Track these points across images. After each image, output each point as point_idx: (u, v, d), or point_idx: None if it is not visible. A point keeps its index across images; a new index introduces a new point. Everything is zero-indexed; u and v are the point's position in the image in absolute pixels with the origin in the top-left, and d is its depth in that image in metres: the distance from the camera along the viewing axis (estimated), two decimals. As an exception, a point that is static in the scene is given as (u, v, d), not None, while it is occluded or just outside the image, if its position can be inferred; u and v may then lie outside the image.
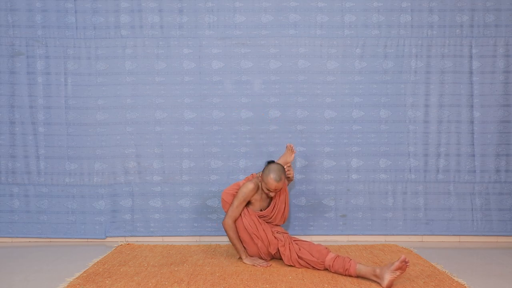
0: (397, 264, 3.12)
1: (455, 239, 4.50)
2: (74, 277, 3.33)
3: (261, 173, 3.67)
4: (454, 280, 3.29)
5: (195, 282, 3.20)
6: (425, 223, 4.49)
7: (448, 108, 4.48)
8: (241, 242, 3.72)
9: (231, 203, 3.66)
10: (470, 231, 4.48)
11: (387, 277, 3.12)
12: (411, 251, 4.07)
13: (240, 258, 3.76)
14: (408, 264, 3.14)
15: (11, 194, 4.47)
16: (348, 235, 4.50)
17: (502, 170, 4.49)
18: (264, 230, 3.64)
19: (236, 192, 3.67)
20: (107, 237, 4.46)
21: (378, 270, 3.20)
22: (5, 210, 4.46)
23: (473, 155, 4.49)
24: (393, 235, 4.50)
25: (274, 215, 3.72)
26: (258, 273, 3.40)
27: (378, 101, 4.48)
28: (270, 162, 3.66)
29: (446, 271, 3.50)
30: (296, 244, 3.60)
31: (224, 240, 4.43)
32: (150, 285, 3.16)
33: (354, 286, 3.15)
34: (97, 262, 3.70)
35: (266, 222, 3.73)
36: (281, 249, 3.61)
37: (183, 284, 3.16)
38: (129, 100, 4.47)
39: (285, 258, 3.59)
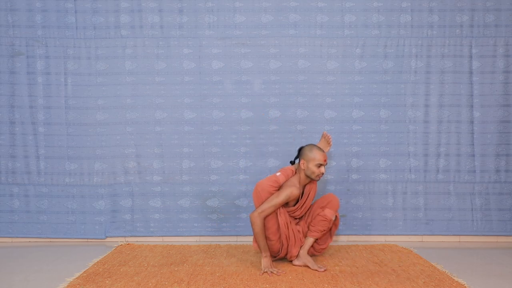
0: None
1: (455, 239, 4.48)
2: (74, 277, 3.31)
3: (296, 165, 3.66)
4: (454, 280, 3.26)
5: (195, 282, 3.18)
6: (425, 223, 4.47)
7: (448, 108, 4.46)
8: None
9: (268, 199, 3.44)
10: (470, 231, 4.45)
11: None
12: (411, 251, 4.04)
13: (264, 256, 3.50)
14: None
15: (11, 194, 4.45)
16: (348, 235, 4.48)
17: (502, 170, 4.47)
18: (293, 231, 3.58)
19: (275, 190, 3.48)
20: (107, 237, 4.44)
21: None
22: (5, 210, 4.44)
23: (473, 155, 4.47)
24: (393, 235, 4.47)
25: (301, 211, 3.68)
26: (258, 273, 3.38)
27: (378, 101, 4.46)
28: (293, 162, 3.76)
29: (446, 271, 3.48)
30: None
31: (224, 240, 4.43)
32: (150, 285, 3.14)
33: (354, 286, 3.14)
34: (97, 262, 3.68)
35: (290, 216, 3.67)
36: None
37: (183, 284, 3.14)
38: (129, 100, 4.45)
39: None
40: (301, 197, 3.64)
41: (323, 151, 3.55)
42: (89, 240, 4.46)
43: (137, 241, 4.43)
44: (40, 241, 4.45)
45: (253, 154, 4.47)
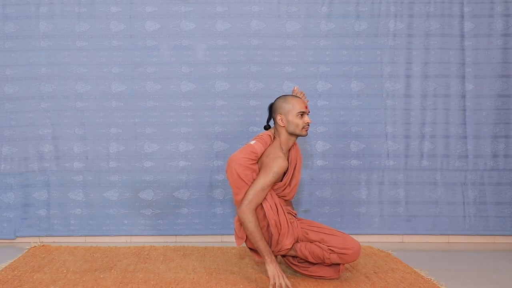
0: None
1: (443, 239, 4.31)
2: (-24, 287, 3.08)
3: (272, 129, 3.25)
4: (441, 289, 3.13)
5: (125, 292, 3.05)
6: (406, 220, 4.29)
7: (434, 80, 4.25)
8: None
9: (253, 184, 2.99)
10: (461, 230, 4.27)
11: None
12: (389, 254, 3.83)
13: (258, 261, 3.30)
14: None
15: None
16: (313, 234, 4.27)
17: (500, 155, 4.27)
18: (284, 214, 3.10)
19: (254, 163, 3.04)
20: (17, 237, 4.17)
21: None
22: None
23: (465, 137, 4.27)
24: (367, 234, 4.27)
25: (290, 189, 3.25)
26: (202, 281, 3.15)
27: (349, 71, 4.25)
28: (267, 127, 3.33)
29: (432, 278, 3.28)
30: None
31: (160, 241, 4.17)
32: (70, 295, 3.00)
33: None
34: (5, 267, 3.42)
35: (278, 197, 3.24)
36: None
37: (110, 294, 3.01)
38: (44, 69, 4.16)
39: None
40: (288, 169, 3.23)
41: (299, 97, 3.20)
42: (-5, 240, 4.26)
43: (54, 242, 4.15)
44: None
45: (196, 136, 4.24)
